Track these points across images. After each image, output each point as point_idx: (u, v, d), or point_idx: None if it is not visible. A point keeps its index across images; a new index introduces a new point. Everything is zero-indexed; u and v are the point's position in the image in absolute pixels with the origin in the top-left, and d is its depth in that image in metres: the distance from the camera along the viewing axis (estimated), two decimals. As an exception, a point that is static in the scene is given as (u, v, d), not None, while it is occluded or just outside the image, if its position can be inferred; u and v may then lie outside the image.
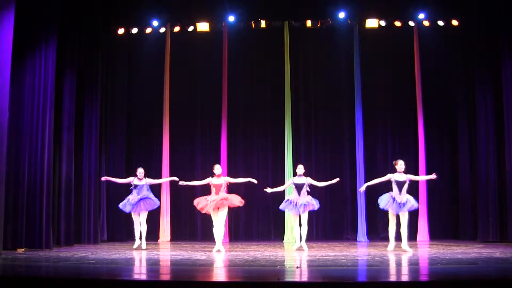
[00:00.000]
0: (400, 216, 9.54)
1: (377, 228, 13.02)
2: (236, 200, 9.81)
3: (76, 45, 11.33)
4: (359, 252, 9.67)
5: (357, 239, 12.55)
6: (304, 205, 9.75)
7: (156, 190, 13.02)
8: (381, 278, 5.98)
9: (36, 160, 9.82)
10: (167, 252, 10.07)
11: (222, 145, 12.91)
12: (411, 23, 12.95)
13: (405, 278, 6.03)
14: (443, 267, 7.01)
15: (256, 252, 9.46)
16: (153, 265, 7.55)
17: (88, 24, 11.73)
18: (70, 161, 10.92)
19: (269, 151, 13.51)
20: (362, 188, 10.22)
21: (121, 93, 13.14)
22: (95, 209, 11.71)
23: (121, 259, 8.24)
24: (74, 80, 11.13)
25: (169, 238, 12.86)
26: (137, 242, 10.33)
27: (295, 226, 10.03)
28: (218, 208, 9.71)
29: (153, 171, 13.30)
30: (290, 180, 10.34)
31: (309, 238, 12.88)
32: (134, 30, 13.25)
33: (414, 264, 7.51)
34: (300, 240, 9.90)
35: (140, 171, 10.51)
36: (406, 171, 9.70)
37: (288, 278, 5.95)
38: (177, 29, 13.32)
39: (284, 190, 10.83)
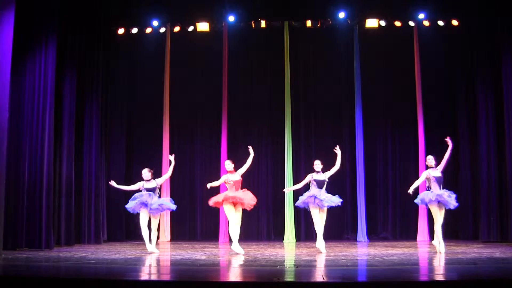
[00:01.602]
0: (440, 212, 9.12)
1: (377, 228, 13.03)
2: (252, 198, 9.51)
3: (76, 45, 11.34)
4: (359, 252, 9.67)
5: (357, 239, 12.55)
6: (329, 199, 9.41)
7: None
8: (381, 278, 5.98)
9: (36, 160, 9.83)
10: (167, 252, 10.06)
11: (222, 145, 12.90)
12: (411, 23, 12.95)
13: (405, 278, 6.02)
14: (443, 267, 7.00)
15: (256, 252, 9.45)
16: (153, 265, 7.54)
17: (88, 24, 11.72)
18: (70, 161, 10.92)
19: (269, 151, 13.50)
20: (411, 190, 9.33)
21: (121, 93, 13.14)
22: (95, 209, 11.71)
23: (121, 259, 8.24)
24: (74, 80, 11.13)
25: (169, 238, 12.86)
26: (150, 246, 9.62)
27: (317, 224, 9.38)
28: (236, 203, 9.26)
29: (153, 171, 13.29)
30: (308, 177, 9.69)
31: (309, 238, 12.93)
32: (134, 30, 13.26)
33: (414, 264, 7.51)
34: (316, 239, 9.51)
35: (145, 172, 9.81)
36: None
37: (288, 278, 5.95)
38: (177, 29, 13.32)
39: (284, 188, 10.61)
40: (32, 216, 9.70)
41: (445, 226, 12.79)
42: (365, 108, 12.96)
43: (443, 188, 9.21)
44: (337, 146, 9.83)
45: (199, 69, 13.66)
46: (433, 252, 9.34)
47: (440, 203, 9.07)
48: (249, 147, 9.68)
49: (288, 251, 9.99)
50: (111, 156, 12.83)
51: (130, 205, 9.68)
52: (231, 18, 12.95)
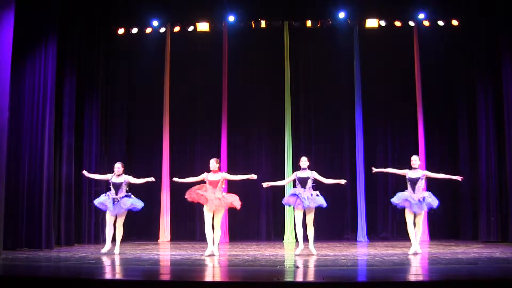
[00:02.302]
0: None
1: (377, 228, 13.03)
2: (236, 202, 8.92)
3: (76, 45, 11.34)
4: (359, 252, 9.67)
5: (357, 239, 12.55)
6: (311, 199, 8.79)
7: (156, 189, 13.04)
8: (381, 278, 5.98)
9: (36, 160, 9.83)
10: (167, 252, 10.06)
11: (222, 145, 12.90)
12: (411, 23, 12.95)
13: (405, 278, 6.02)
14: (443, 267, 7.01)
15: (256, 252, 9.46)
16: (153, 265, 7.55)
17: (88, 24, 11.73)
18: (70, 161, 10.92)
19: (269, 151, 13.51)
20: (376, 170, 9.42)
21: (121, 93, 13.14)
22: (95, 209, 11.68)
23: (121, 259, 8.23)
24: (74, 80, 11.14)
25: (169, 238, 12.85)
26: (108, 245, 9.25)
27: (298, 225, 8.98)
28: (218, 209, 8.77)
29: (153, 171, 13.30)
30: (293, 175, 9.28)
31: (309, 238, 12.93)
32: (134, 30, 13.26)
33: (414, 264, 7.50)
34: (304, 242, 9.02)
35: (118, 166, 9.38)
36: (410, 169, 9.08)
37: (288, 278, 5.95)
38: (177, 29, 13.32)
39: (284, 186, 10.04)
40: (32, 216, 9.70)
41: (445, 226, 12.92)
42: (365, 108, 12.96)
43: (426, 190, 8.99)
44: (345, 180, 9.36)
45: (199, 69, 13.66)
46: (433, 252, 9.34)
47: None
48: (253, 176, 9.00)
49: (288, 251, 9.99)
50: (111, 156, 12.81)
51: (101, 202, 9.35)
52: (231, 18, 12.95)
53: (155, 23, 13.09)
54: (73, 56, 11.22)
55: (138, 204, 9.35)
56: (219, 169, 9.02)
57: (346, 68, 13.30)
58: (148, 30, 13.30)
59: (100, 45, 12.15)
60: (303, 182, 8.95)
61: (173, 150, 13.29)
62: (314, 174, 9.01)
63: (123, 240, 12.38)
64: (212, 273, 6.69)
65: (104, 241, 12.02)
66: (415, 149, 12.80)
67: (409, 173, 9.00)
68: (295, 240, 12.47)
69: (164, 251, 10.20)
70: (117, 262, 7.83)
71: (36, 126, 9.88)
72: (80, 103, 11.51)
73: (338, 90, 13.46)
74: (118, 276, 6.41)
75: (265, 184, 9.34)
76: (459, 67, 12.80)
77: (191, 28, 13.26)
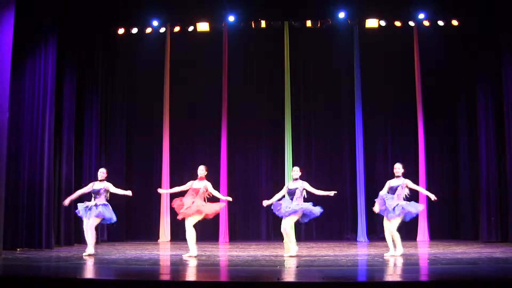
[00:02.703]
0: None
1: (377, 228, 13.01)
2: (210, 211, 8.55)
3: (76, 45, 11.34)
4: (359, 252, 9.67)
5: (357, 239, 12.55)
6: (290, 210, 8.42)
7: (155, 189, 13.00)
8: (381, 278, 5.98)
9: (36, 160, 9.83)
10: (167, 252, 10.06)
11: (222, 145, 12.90)
12: (411, 23, 12.95)
13: (405, 278, 6.02)
14: (443, 267, 7.01)
15: (256, 252, 9.45)
16: (153, 265, 7.55)
17: (88, 24, 11.73)
18: (70, 161, 10.92)
19: (269, 151, 13.51)
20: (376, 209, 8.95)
21: (121, 93, 13.15)
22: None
23: (121, 259, 8.24)
24: (74, 80, 11.14)
25: (169, 238, 12.85)
26: (90, 248, 8.81)
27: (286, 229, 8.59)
28: (187, 216, 8.52)
29: (153, 171, 13.31)
30: (285, 186, 8.86)
31: (309, 238, 12.95)
32: (134, 30, 13.26)
33: (414, 264, 7.51)
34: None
35: (102, 171, 9.11)
36: (405, 173, 8.86)
37: (288, 278, 5.95)
38: (177, 29, 13.32)
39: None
40: (32, 216, 9.70)
41: (445, 226, 12.93)
42: (365, 108, 12.95)
43: (405, 200, 8.56)
44: (335, 192, 8.77)
45: (199, 69, 13.66)
46: (433, 252, 9.34)
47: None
48: (229, 198, 9.03)
49: (288, 251, 9.96)
50: (111, 156, 12.83)
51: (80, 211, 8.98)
52: (231, 18, 12.95)
53: (155, 23, 13.09)
54: (73, 56, 11.23)
55: (108, 214, 8.89)
56: (206, 177, 8.80)
57: (346, 68, 13.30)
58: (148, 30, 13.30)
59: (100, 45, 12.15)
60: (290, 193, 8.56)
61: (173, 150, 13.28)
62: (305, 185, 8.58)
63: (124, 240, 12.50)
64: (212, 273, 6.69)
65: (100, 241, 12.07)
66: (415, 149, 12.82)
67: (390, 182, 8.73)
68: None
69: (164, 251, 10.20)
70: (117, 262, 7.83)
71: (36, 126, 9.88)
72: (80, 103, 11.51)
73: (338, 90, 13.46)
74: (118, 276, 6.41)
75: (265, 203, 8.78)
76: (459, 67, 12.80)
77: (191, 28, 13.26)
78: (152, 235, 12.93)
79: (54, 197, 10.42)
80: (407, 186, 8.63)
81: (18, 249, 9.42)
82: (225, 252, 9.76)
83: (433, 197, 8.65)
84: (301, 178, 8.66)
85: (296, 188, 8.54)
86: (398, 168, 8.72)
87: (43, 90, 9.97)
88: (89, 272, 6.70)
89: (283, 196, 8.71)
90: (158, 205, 12.98)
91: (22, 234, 9.55)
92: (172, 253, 9.58)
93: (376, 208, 8.81)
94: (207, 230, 13.29)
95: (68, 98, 10.95)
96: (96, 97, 11.90)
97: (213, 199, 8.89)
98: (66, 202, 9.11)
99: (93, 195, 8.97)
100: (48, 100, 9.98)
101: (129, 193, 9.10)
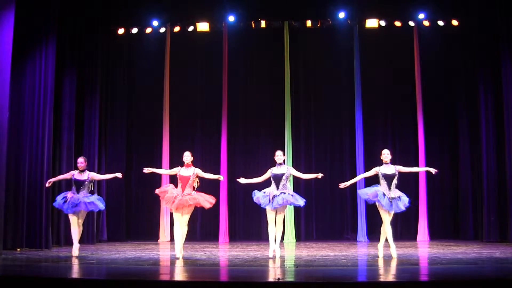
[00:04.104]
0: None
1: (377, 228, 13.00)
2: (204, 201, 8.19)
3: (76, 45, 11.35)
4: (359, 252, 9.67)
5: (357, 239, 12.54)
6: (282, 198, 8.14)
7: (155, 189, 13.02)
8: (381, 278, 5.98)
9: (36, 160, 9.83)
10: (167, 252, 10.07)
11: (222, 145, 12.90)
12: (411, 23, 12.94)
13: (405, 278, 6.03)
14: (443, 267, 7.01)
15: (256, 252, 9.45)
16: (153, 265, 7.55)
17: (88, 24, 11.73)
18: (70, 161, 10.91)
19: (269, 151, 13.44)
20: (343, 184, 8.83)
21: (121, 93, 13.14)
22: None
23: (121, 259, 8.24)
24: (74, 80, 11.14)
25: (169, 238, 12.84)
26: (76, 245, 8.59)
27: (271, 225, 8.33)
28: (181, 207, 8.15)
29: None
30: (268, 171, 8.45)
31: (309, 238, 12.94)
32: (134, 30, 13.25)
33: (414, 264, 7.51)
34: (275, 242, 8.35)
35: (80, 161, 8.63)
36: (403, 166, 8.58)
37: (288, 278, 5.95)
38: (177, 29, 13.31)
39: (261, 183, 8.73)
40: (32, 216, 9.70)
41: (445, 226, 12.92)
42: (365, 108, 12.95)
43: (396, 188, 8.25)
44: (321, 174, 8.49)
45: (199, 69, 13.66)
46: (433, 252, 9.33)
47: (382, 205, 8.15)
48: (221, 177, 8.61)
49: (288, 251, 9.98)
50: (110, 156, 12.83)
51: (60, 203, 8.59)
52: (231, 18, 12.95)
53: (155, 23, 13.09)
54: (73, 56, 11.23)
55: (99, 204, 8.63)
56: (193, 163, 8.43)
57: (346, 68, 13.30)
58: (148, 30, 13.29)
59: (100, 45, 12.15)
60: (276, 179, 8.27)
61: (173, 150, 13.26)
62: (291, 170, 8.37)
63: (124, 240, 12.50)
64: (212, 273, 6.69)
65: (100, 241, 12.08)
66: (415, 149, 12.81)
67: (382, 169, 8.32)
68: (294, 240, 12.50)
69: (164, 251, 10.20)
70: (117, 262, 7.83)
71: (36, 126, 9.89)
72: (80, 103, 11.52)
73: (338, 90, 13.45)
74: (118, 276, 6.41)
75: (242, 180, 8.46)
76: (459, 67, 12.80)
77: (191, 28, 13.25)
78: (152, 235, 12.92)
79: (54, 197, 10.41)
80: (399, 172, 8.30)
81: (18, 249, 9.44)
82: (225, 252, 9.77)
83: (433, 170, 8.40)
84: (304, 172, 8.42)
85: (283, 174, 8.27)
86: (387, 154, 8.35)
87: (43, 90, 9.98)
88: (89, 272, 6.70)
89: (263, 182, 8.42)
90: (158, 205, 12.96)
91: (22, 234, 9.56)
92: (172, 253, 9.58)
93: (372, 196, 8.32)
94: (207, 230, 13.32)
95: (68, 98, 10.96)
96: (96, 97, 11.90)
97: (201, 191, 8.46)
98: (48, 183, 8.80)
99: (74, 186, 8.57)
100: (48, 100, 9.99)
101: (119, 175, 8.80)
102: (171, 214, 12.84)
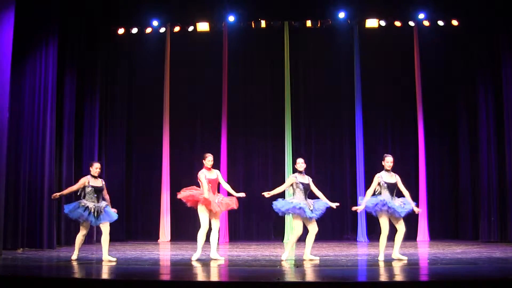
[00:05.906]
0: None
1: (377, 228, 13.00)
2: (234, 204, 8.41)
3: (76, 45, 11.35)
4: (359, 252, 9.67)
5: (357, 239, 12.55)
6: (320, 209, 8.07)
7: (156, 189, 13.06)
8: (381, 278, 5.98)
9: (36, 160, 9.83)
10: (167, 252, 10.06)
11: (222, 145, 12.90)
12: (411, 23, 12.95)
13: (405, 278, 6.03)
14: (443, 267, 7.01)
15: (256, 252, 9.46)
16: (153, 265, 7.55)
17: (88, 24, 11.74)
18: (70, 161, 10.92)
19: (269, 151, 13.51)
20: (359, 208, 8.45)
21: (121, 93, 13.15)
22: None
23: (121, 259, 8.24)
24: (74, 80, 11.15)
25: (169, 238, 12.85)
26: (77, 253, 8.09)
27: (300, 232, 8.24)
28: (225, 209, 8.34)
29: (153, 171, 13.29)
30: (290, 178, 8.18)
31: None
32: (134, 30, 13.25)
33: (414, 264, 7.51)
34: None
35: (97, 166, 7.91)
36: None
37: (288, 278, 5.95)
38: (177, 29, 13.32)
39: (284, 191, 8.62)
40: (32, 216, 9.71)
41: (445, 226, 12.92)
42: (365, 108, 12.96)
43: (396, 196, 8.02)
44: (338, 204, 8.32)
45: (199, 69, 13.66)
46: (433, 252, 9.34)
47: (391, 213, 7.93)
48: (242, 194, 8.42)
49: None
50: (110, 156, 12.83)
51: (71, 210, 7.84)
52: (231, 18, 12.95)
53: (155, 23, 13.09)
54: (73, 56, 11.23)
55: (115, 216, 8.19)
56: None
57: (346, 68, 13.30)
58: (148, 30, 13.29)
59: (100, 45, 12.16)
60: (306, 189, 8.00)
61: (173, 150, 13.28)
62: (311, 183, 8.13)
63: (124, 240, 12.48)
64: (212, 273, 6.69)
65: (98, 241, 12.03)
66: (415, 149, 12.82)
67: (384, 177, 8.05)
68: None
69: (164, 251, 10.20)
70: (117, 262, 7.82)
71: (36, 126, 9.89)
72: (80, 103, 11.52)
73: (338, 90, 13.46)
74: (118, 276, 6.41)
75: (267, 195, 8.16)
76: (459, 67, 12.81)
77: (191, 28, 13.26)
78: (152, 235, 12.93)
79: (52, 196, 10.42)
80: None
81: (19, 249, 9.44)
82: (225, 252, 9.76)
83: (417, 210, 8.07)
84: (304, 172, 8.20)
85: (308, 184, 8.03)
86: (391, 161, 8.05)
87: (43, 90, 9.98)
88: (89, 272, 6.70)
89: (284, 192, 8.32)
90: (158, 205, 12.98)
91: (22, 234, 9.57)
92: (172, 253, 9.59)
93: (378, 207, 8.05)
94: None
95: (68, 98, 10.96)
96: (96, 97, 11.91)
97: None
98: (57, 195, 8.02)
99: (94, 194, 7.83)
100: (49, 100, 10.00)
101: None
102: (172, 215, 12.95)
